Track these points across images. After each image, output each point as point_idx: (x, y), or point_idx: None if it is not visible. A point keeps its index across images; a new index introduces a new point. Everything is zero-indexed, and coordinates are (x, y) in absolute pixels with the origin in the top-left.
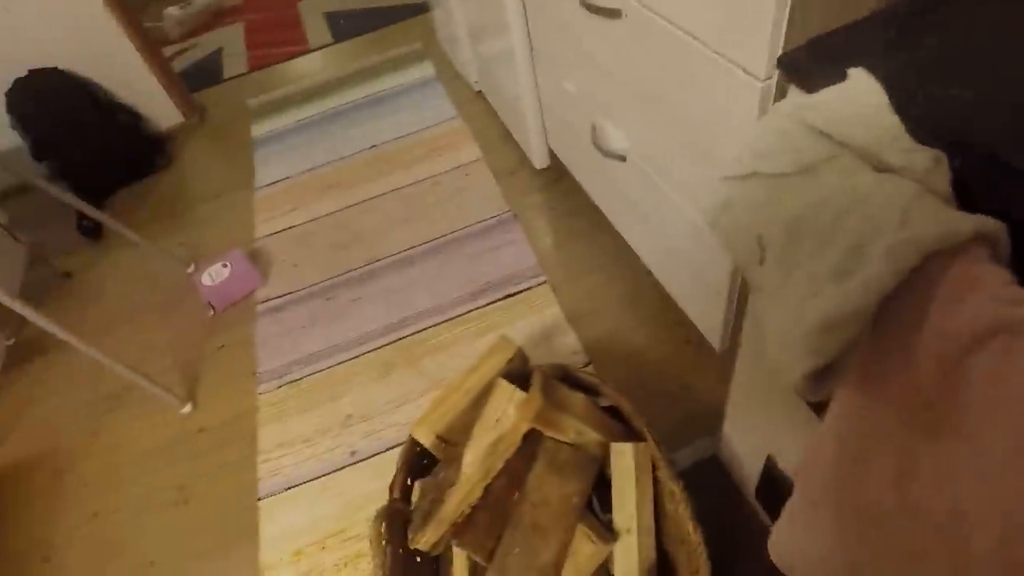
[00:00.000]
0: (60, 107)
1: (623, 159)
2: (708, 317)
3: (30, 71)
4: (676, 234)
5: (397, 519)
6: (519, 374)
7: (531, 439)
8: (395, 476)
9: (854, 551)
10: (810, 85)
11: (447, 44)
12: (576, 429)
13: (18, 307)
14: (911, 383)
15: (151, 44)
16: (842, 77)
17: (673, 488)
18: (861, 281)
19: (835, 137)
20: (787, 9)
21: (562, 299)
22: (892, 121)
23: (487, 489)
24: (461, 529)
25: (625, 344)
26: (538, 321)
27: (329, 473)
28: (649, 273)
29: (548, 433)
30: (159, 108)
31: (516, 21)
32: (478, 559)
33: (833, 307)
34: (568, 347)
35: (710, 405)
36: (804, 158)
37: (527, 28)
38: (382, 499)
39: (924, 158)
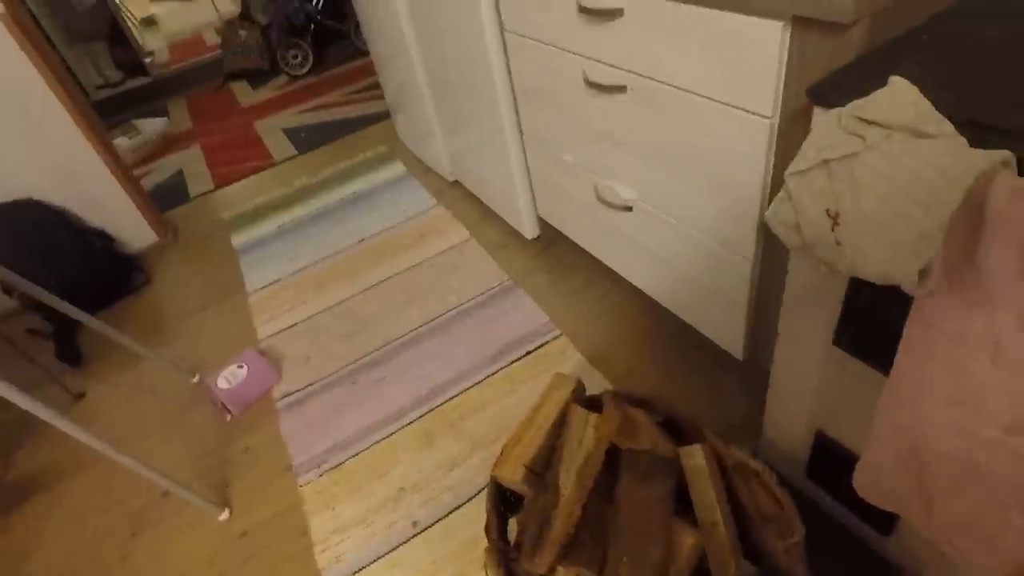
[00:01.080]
0: (35, 238)
1: (629, 209)
2: (727, 331)
3: (2, 204)
4: (690, 263)
5: (502, 557)
6: (581, 403)
7: (609, 456)
8: (488, 519)
9: (942, 432)
10: (833, 104)
11: (413, 143)
12: (650, 438)
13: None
14: (973, 268)
15: (124, 166)
16: (862, 93)
17: (755, 467)
18: (940, 202)
19: (884, 123)
20: (785, 61)
21: (581, 346)
22: (925, 105)
23: (583, 508)
24: (568, 549)
25: (649, 374)
26: (564, 369)
27: (395, 548)
28: (656, 308)
29: (626, 445)
30: (132, 229)
31: (507, 112)
32: (590, 574)
33: (929, 225)
34: (598, 386)
35: (740, 415)
36: (869, 140)
37: (517, 116)
38: (456, 561)
39: (949, 126)
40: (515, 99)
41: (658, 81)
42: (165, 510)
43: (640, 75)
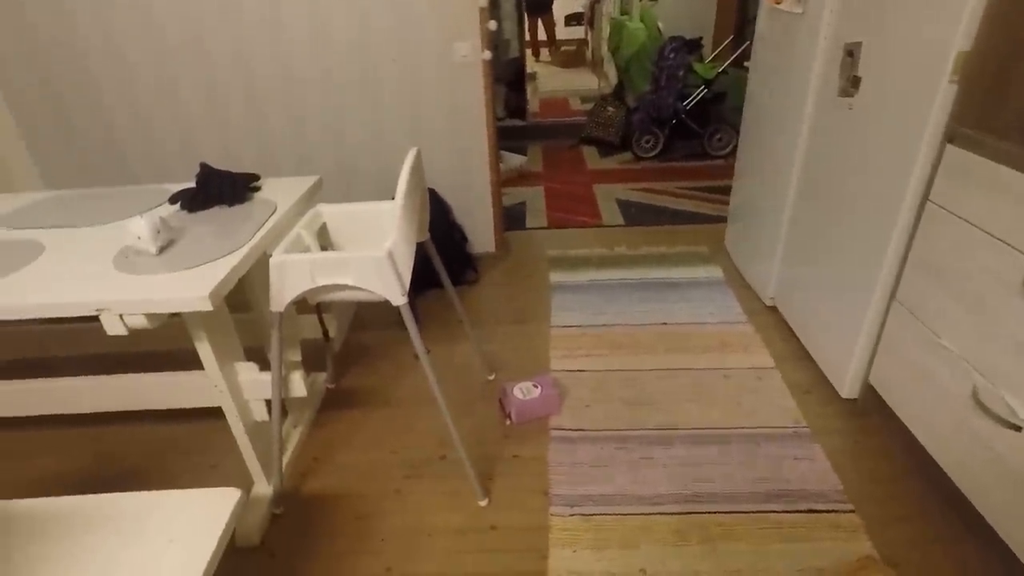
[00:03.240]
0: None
1: (1017, 429)
2: None
3: None
4: None
5: None
6: None
7: None
8: None
9: None
10: None
11: (739, 256)
12: None
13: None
14: None
15: (499, 184)
16: None
17: None
18: None
19: None
20: None
21: (874, 538)
22: None
23: None
24: None
25: None
26: (850, 552)
27: None
28: (997, 546)
29: None
30: (481, 235)
31: (887, 274)
32: None
33: None
34: None
35: None
36: None
37: (896, 281)
38: None
39: None
40: (902, 264)
41: None
42: (437, 470)
43: None
